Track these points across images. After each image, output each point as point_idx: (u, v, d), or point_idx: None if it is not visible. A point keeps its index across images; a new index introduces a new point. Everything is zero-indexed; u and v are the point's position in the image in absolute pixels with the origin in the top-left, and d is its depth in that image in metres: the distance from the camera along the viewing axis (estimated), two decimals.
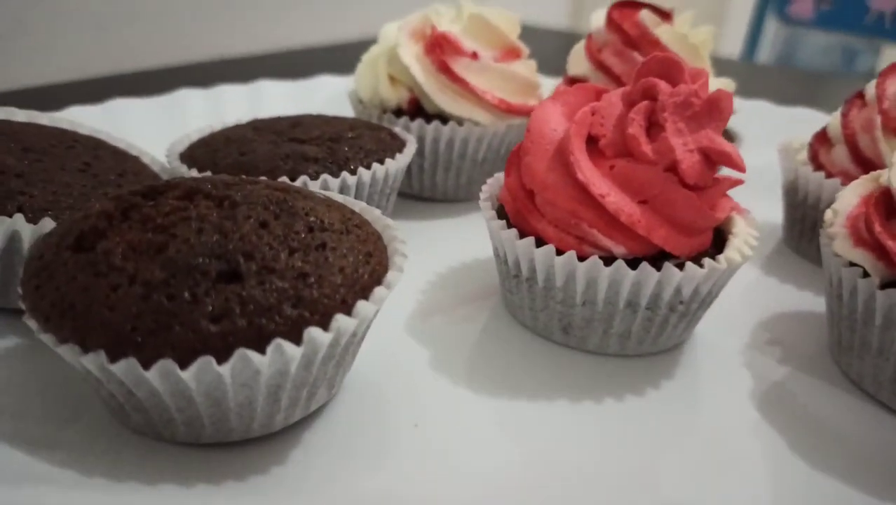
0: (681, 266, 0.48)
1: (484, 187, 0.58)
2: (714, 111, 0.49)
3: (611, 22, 0.73)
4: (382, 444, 0.44)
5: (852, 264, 0.50)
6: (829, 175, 0.67)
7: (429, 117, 0.72)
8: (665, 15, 0.74)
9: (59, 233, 0.42)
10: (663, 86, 0.49)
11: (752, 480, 0.43)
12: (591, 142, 0.51)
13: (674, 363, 0.53)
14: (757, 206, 0.58)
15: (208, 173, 0.58)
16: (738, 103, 0.68)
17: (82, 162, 0.55)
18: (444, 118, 0.72)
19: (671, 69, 0.50)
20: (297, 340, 0.37)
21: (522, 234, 0.51)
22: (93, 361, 0.36)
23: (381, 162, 0.62)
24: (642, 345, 0.52)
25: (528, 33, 0.76)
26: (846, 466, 0.45)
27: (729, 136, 0.78)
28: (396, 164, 0.63)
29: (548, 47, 0.76)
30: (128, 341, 0.36)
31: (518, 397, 0.49)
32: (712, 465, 0.44)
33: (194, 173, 0.58)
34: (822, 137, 0.70)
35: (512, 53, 0.75)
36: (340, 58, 1.28)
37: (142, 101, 0.88)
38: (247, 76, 1.04)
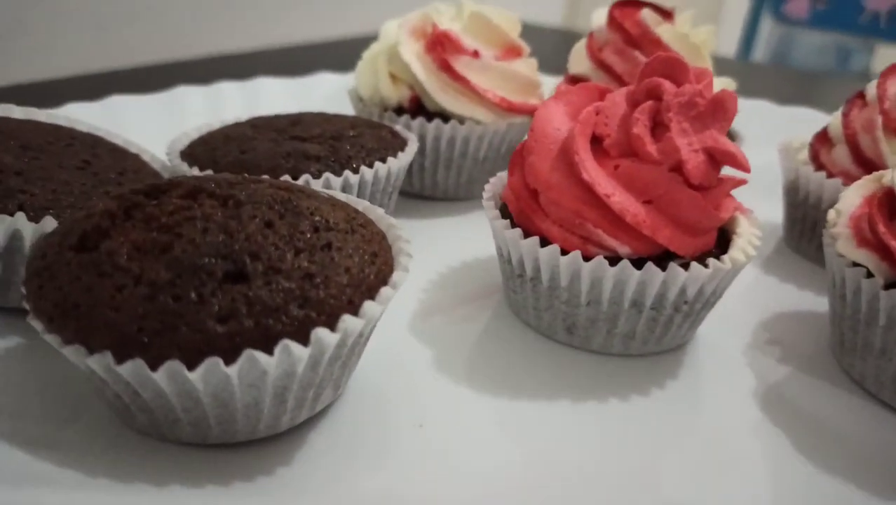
0: (685, 266, 0.48)
1: (487, 186, 0.58)
2: (718, 111, 0.49)
3: (612, 21, 0.73)
4: (387, 444, 0.44)
5: (856, 265, 0.50)
6: (830, 175, 0.67)
7: (430, 115, 0.72)
8: (666, 14, 0.74)
9: (61, 232, 0.41)
10: (668, 86, 0.49)
11: (755, 479, 0.44)
12: (595, 141, 0.51)
13: (677, 363, 0.53)
14: (757, 206, 0.58)
15: (209, 172, 0.58)
16: (739, 103, 0.68)
17: (81, 160, 0.55)
18: (444, 116, 0.72)
19: (675, 69, 0.50)
20: (304, 340, 0.37)
21: (526, 234, 0.51)
22: (99, 362, 0.35)
23: (384, 160, 0.62)
24: (646, 345, 0.52)
25: (524, 31, 0.76)
26: (848, 466, 0.45)
27: (730, 135, 0.78)
28: (398, 163, 0.63)
29: (544, 45, 0.76)
30: (134, 342, 0.35)
31: (522, 397, 0.48)
32: (715, 464, 0.44)
33: (195, 171, 0.58)
34: (822, 137, 0.70)
35: (513, 52, 0.75)
36: (339, 55, 1.28)
37: (140, 98, 0.88)
38: (245, 73, 1.03)
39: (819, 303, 0.64)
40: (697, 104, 0.48)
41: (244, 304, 0.37)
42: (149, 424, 0.40)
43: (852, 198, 0.54)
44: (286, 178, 0.56)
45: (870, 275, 0.49)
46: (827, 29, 2.60)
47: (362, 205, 0.50)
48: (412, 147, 0.66)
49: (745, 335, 0.58)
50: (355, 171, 0.59)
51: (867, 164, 0.65)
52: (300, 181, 0.57)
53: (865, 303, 0.49)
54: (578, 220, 0.49)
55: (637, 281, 0.48)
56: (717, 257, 0.50)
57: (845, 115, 0.67)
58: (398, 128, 0.69)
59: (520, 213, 0.53)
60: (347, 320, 0.38)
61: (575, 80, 0.75)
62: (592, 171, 0.48)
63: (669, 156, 0.47)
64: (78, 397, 0.45)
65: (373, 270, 0.42)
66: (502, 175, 0.60)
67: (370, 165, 0.61)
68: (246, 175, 0.51)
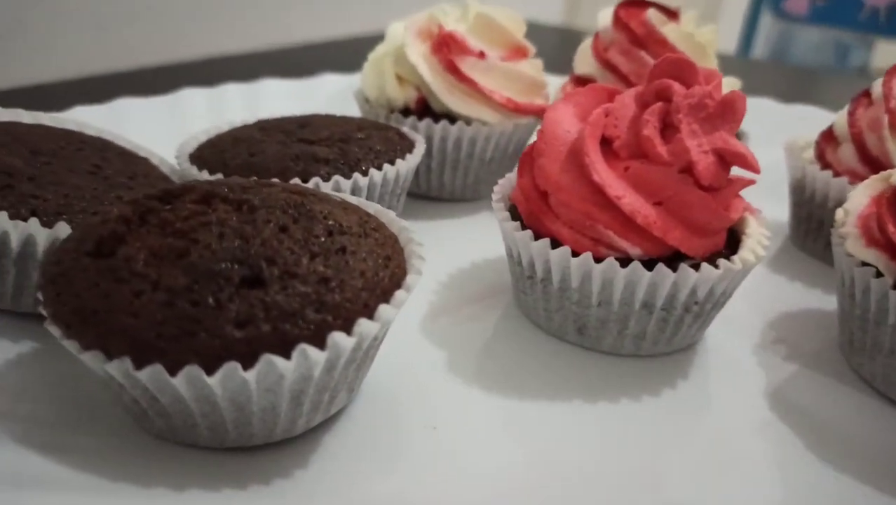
0: (696, 267, 0.49)
1: (496, 188, 0.58)
2: (728, 112, 0.49)
3: (617, 21, 0.74)
4: (401, 446, 0.44)
5: (865, 264, 0.50)
6: (836, 174, 0.67)
7: (436, 117, 0.72)
8: (671, 14, 0.74)
9: (76, 238, 0.41)
10: (677, 87, 0.49)
11: (766, 479, 0.44)
12: (605, 143, 0.51)
13: (687, 363, 0.54)
14: (762, 204, 0.58)
15: (219, 175, 0.58)
16: None
17: (91, 164, 0.55)
18: (451, 118, 0.72)
19: (684, 70, 0.50)
20: (320, 344, 0.37)
21: (537, 236, 0.52)
22: (117, 368, 0.36)
23: (392, 163, 0.62)
24: (657, 345, 0.53)
25: None
26: (858, 465, 0.45)
27: (737, 134, 0.78)
28: (407, 165, 0.63)
29: (544, 44, 0.76)
30: (153, 348, 0.35)
31: (534, 398, 0.49)
32: (727, 464, 0.44)
33: (205, 175, 0.58)
34: (828, 136, 0.70)
35: (518, 52, 0.75)
36: (343, 55, 1.28)
37: (146, 101, 0.88)
38: (248, 73, 1.03)
39: (827, 301, 0.64)
40: (707, 106, 0.48)
41: (261, 309, 0.37)
42: (166, 428, 0.41)
43: (860, 197, 0.54)
44: (296, 180, 0.56)
45: (879, 274, 0.49)
46: (826, 25, 2.60)
47: (373, 207, 0.50)
48: (420, 149, 0.66)
49: (754, 335, 0.58)
50: (364, 173, 0.59)
51: (873, 163, 0.65)
52: (310, 184, 0.57)
53: (874, 302, 0.49)
54: (589, 221, 0.49)
55: (648, 282, 0.48)
56: (727, 258, 0.50)
57: (851, 114, 0.67)
58: (405, 129, 0.69)
59: (530, 214, 0.53)
60: (363, 324, 0.39)
61: (580, 80, 0.76)
62: (603, 173, 0.48)
63: (679, 157, 0.48)
64: (93, 401, 0.45)
65: (387, 273, 0.42)
66: (511, 177, 0.60)
67: (379, 168, 0.61)
68: (256, 179, 0.51)
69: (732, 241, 0.54)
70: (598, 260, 0.49)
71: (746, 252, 0.50)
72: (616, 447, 0.45)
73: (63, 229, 0.47)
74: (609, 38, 0.75)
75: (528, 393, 0.49)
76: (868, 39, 2.62)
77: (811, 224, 0.71)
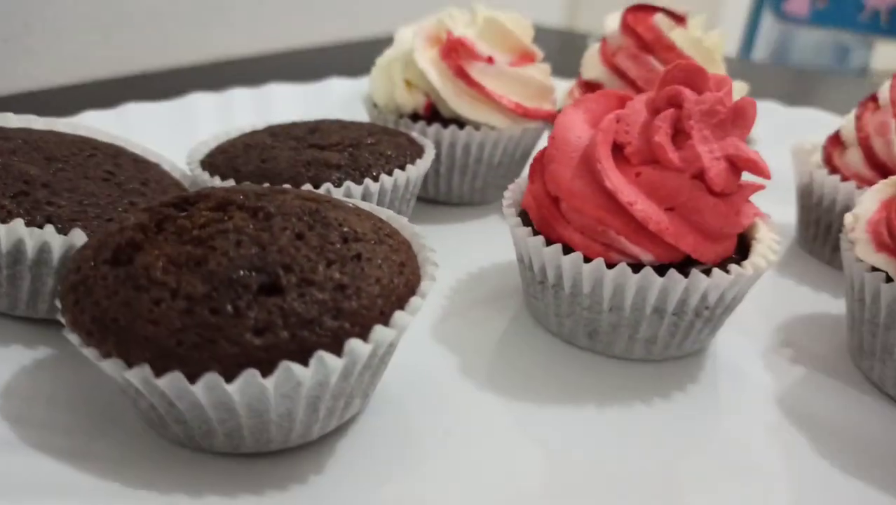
0: (707, 272, 0.49)
1: (506, 194, 0.58)
2: (739, 119, 0.49)
3: (625, 26, 0.74)
4: (415, 451, 0.44)
5: (874, 269, 0.51)
6: (844, 178, 0.67)
7: (445, 122, 0.72)
8: (679, 18, 0.74)
9: (94, 246, 0.42)
10: (688, 94, 0.49)
11: (777, 483, 0.44)
12: (616, 149, 0.51)
13: (698, 367, 0.54)
14: (768, 208, 0.58)
15: (231, 181, 0.58)
16: None
17: (104, 170, 0.55)
18: (460, 122, 0.72)
19: (695, 77, 0.50)
20: (338, 351, 0.38)
21: (548, 241, 0.52)
22: (137, 376, 0.36)
23: (402, 168, 0.62)
24: (667, 350, 0.53)
25: None
26: (869, 468, 0.45)
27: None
28: (417, 171, 0.63)
29: (545, 47, 0.76)
30: (173, 356, 0.36)
31: (545, 403, 0.49)
32: (740, 468, 0.45)
33: (217, 181, 0.58)
34: (835, 140, 0.71)
35: (526, 57, 0.75)
36: (350, 58, 1.28)
37: (154, 106, 0.88)
38: (255, 77, 1.03)
39: (834, 305, 0.64)
40: (718, 112, 0.48)
41: (279, 316, 0.37)
42: (182, 434, 0.41)
43: (869, 202, 0.54)
44: (307, 186, 0.57)
45: (889, 279, 0.50)
46: (827, 26, 2.60)
47: (385, 213, 0.51)
48: (430, 154, 0.66)
49: (763, 338, 0.59)
50: (375, 179, 0.60)
51: (881, 168, 0.65)
52: (321, 190, 0.57)
53: (885, 307, 0.50)
54: (601, 227, 0.49)
55: (659, 287, 0.49)
56: (738, 263, 0.51)
57: (858, 118, 0.67)
58: (414, 134, 0.70)
59: (541, 220, 0.53)
60: (379, 331, 0.39)
61: (588, 85, 0.76)
62: (615, 180, 0.48)
63: (691, 163, 0.48)
64: (108, 407, 0.45)
65: (401, 279, 0.43)
66: (520, 182, 0.60)
67: (389, 173, 0.61)
68: (268, 185, 0.51)
69: (742, 246, 0.54)
70: (609, 266, 0.49)
71: (757, 257, 0.51)
72: (628, 451, 0.45)
73: (78, 236, 0.47)
74: (617, 43, 0.75)
75: (540, 398, 0.49)
76: (868, 39, 2.63)
77: (819, 228, 0.71)
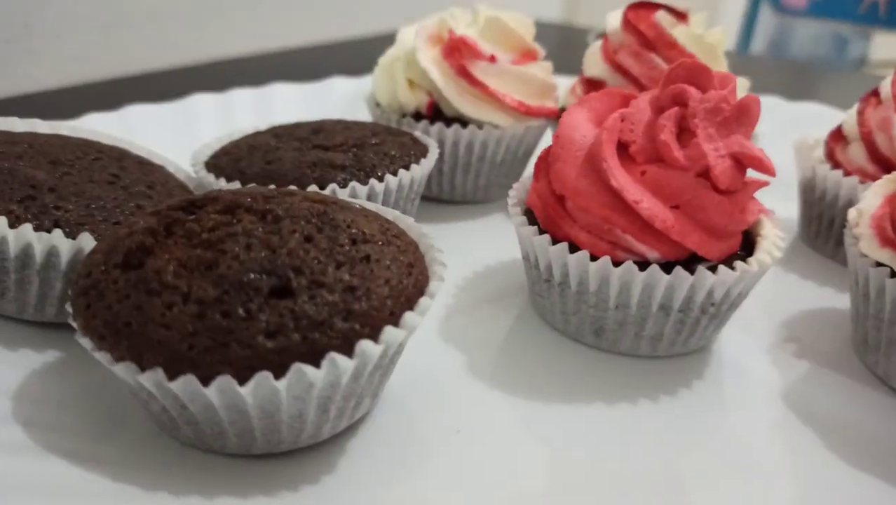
0: (713, 269, 0.49)
1: (511, 192, 0.58)
2: (743, 116, 0.50)
3: (627, 23, 0.74)
4: (425, 450, 0.45)
5: (879, 264, 0.51)
6: (847, 173, 0.68)
7: (448, 121, 0.72)
8: (681, 15, 0.74)
9: (104, 250, 0.42)
10: (693, 92, 0.49)
11: (783, 479, 0.44)
12: (621, 148, 0.51)
13: (703, 364, 0.54)
14: (770, 202, 0.58)
15: (236, 183, 0.58)
16: None
17: (110, 173, 0.56)
18: (462, 121, 0.72)
19: (699, 75, 0.50)
20: (348, 352, 0.38)
21: (554, 240, 0.52)
22: (150, 379, 0.36)
23: (407, 168, 0.62)
24: (673, 346, 0.53)
25: None
26: (875, 464, 0.46)
27: None
28: (421, 170, 0.63)
29: (544, 43, 0.76)
30: (185, 359, 0.36)
31: (553, 400, 0.49)
32: (746, 464, 0.45)
33: (222, 182, 0.59)
34: (837, 135, 0.71)
35: (528, 56, 0.75)
36: (351, 57, 1.28)
37: (156, 107, 0.88)
38: (256, 76, 1.03)
39: (838, 300, 0.64)
40: (723, 110, 0.49)
41: (291, 318, 0.37)
42: (194, 435, 0.41)
43: (873, 198, 0.54)
44: (313, 187, 0.57)
45: (893, 274, 0.50)
46: (826, 19, 2.60)
47: (392, 214, 0.51)
48: (433, 153, 0.66)
49: (768, 334, 0.59)
50: (381, 179, 0.60)
51: (883, 162, 0.65)
52: (326, 191, 0.57)
53: (890, 302, 0.50)
54: (607, 225, 0.49)
55: (665, 285, 0.49)
56: (743, 259, 0.51)
57: (860, 114, 0.68)
58: (418, 134, 0.70)
59: (546, 218, 0.53)
60: (389, 332, 0.39)
61: (590, 82, 0.76)
62: (621, 178, 0.49)
63: (696, 161, 0.48)
64: (118, 409, 0.46)
65: (410, 280, 0.43)
66: (525, 180, 0.60)
67: (394, 173, 0.61)
68: (274, 186, 0.51)
69: (747, 243, 0.54)
70: (615, 264, 0.49)
71: (762, 254, 0.51)
72: (635, 448, 0.46)
73: (86, 240, 0.48)
74: (618, 41, 0.75)
75: (548, 395, 0.50)
76: (866, 31, 2.62)
77: (822, 223, 0.72)
